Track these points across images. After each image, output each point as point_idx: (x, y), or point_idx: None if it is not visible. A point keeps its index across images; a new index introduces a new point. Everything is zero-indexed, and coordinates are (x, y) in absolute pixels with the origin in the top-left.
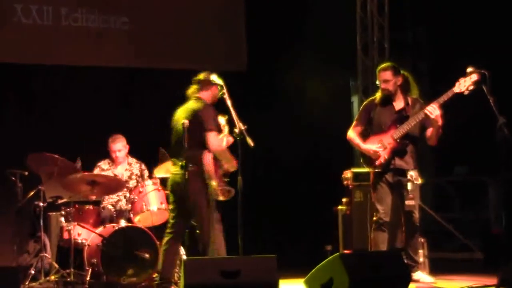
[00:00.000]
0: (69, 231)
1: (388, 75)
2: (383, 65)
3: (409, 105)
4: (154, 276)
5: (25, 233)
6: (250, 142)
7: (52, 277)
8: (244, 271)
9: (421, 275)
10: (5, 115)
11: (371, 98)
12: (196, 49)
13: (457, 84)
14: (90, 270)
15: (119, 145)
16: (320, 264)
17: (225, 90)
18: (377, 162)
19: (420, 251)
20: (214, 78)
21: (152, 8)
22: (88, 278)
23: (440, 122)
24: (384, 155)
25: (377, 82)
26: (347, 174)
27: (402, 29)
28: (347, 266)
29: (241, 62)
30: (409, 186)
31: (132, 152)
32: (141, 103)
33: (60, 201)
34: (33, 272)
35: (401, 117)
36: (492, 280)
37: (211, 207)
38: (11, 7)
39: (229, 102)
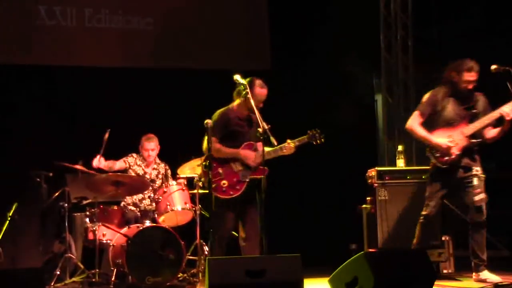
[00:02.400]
0: (93, 231)
1: (477, 76)
2: (475, 66)
3: (477, 101)
4: (179, 276)
5: (50, 234)
6: (274, 141)
7: (77, 278)
8: (269, 270)
9: (488, 275)
10: (29, 117)
11: (435, 90)
12: (220, 49)
13: None
14: (115, 270)
15: (153, 144)
16: (345, 263)
17: (249, 90)
18: (446, 158)
19: (446, 249)
20: (238, 77)
21: (176, 9)
22: (113, 279)
23: None
24: (455, 151)
25: (453, 76)
26: (372, 172)
27: (427, 26)
28: (371, 265)
29: (265, 61)
30: (475, 181)
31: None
32: (165, 103)
33: (84, 202)
34: (58, 272)
35: (471, 114)
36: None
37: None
38: (35, 8)
39: (252, 102)
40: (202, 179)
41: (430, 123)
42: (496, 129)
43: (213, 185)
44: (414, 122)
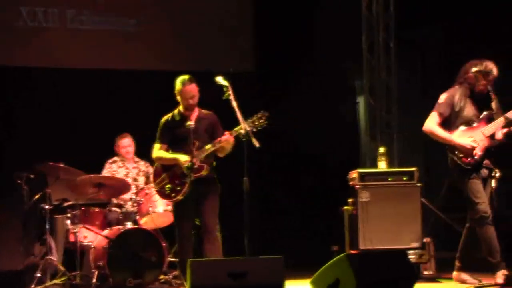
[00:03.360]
0: (75, 233)
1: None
2: (494, 70)
3: (492, 100)
4: (160, 278)
5: (31, 236)
6: (255, 143)
7: (59, 280)
8: (251, 272)
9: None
10: (11, 118)
11: (451, 90)
12: (204, 50)
13: None
14: (96, 272)
15: (127, 141)
16: (327, 265)
17: (231, 91)
18: (469, 159)
19: (426, 251)
20: (220, 79)
21: (160, 10)
22: (94, 281)
23: None
24: (478, 152)
25: (470, 77)
26: (353, 174)
27: (409, 27)
28: (353, 266)
29: (249, 63)
30: (493, 183)
31: (139, 154)
32: (148, 105)
33: (66, 204)
34: (39, 275)
35: (489, 114)
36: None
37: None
38: (16, 10)
39: (235, 103)
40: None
41: (446, 124)
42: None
43: (159, 190)
44: (433, 124)
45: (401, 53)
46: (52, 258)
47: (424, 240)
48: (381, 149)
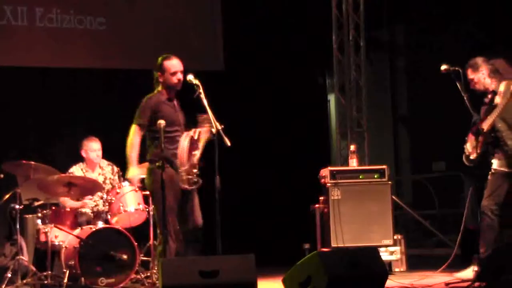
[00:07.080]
0: (46, 233)
1: (468, 74)
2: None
3: (497, 92)
4: (132, 277)
5: (1, 236)
6: (227, 141)
7: (29, 280)
8: (222, 271)
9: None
10: None
11: None
12: (173, 49)
13: None
14: (68, 272)
15: (97, 145)
16: (298, 263)
17: (201, 90)
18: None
19: (398, 248)
20: (191, 77)
21: (128, 9)
22: (65, 281)
23: None
24: (475, 149)
25: None
26: (324, 172)
27: (378, 27)
28: (325, 264)
29: (219, 62)
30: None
31: (107, 154)
32: (115, 104)
33: (36, 203)
34: (9, 275)
35: (490, 107)
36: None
37: None
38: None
39: (205, 102)
40: None
41: None
42: None
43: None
44: None
45: (371, 52)
46: (23, 258)
47: (395, 237)
48: (352, 147)
